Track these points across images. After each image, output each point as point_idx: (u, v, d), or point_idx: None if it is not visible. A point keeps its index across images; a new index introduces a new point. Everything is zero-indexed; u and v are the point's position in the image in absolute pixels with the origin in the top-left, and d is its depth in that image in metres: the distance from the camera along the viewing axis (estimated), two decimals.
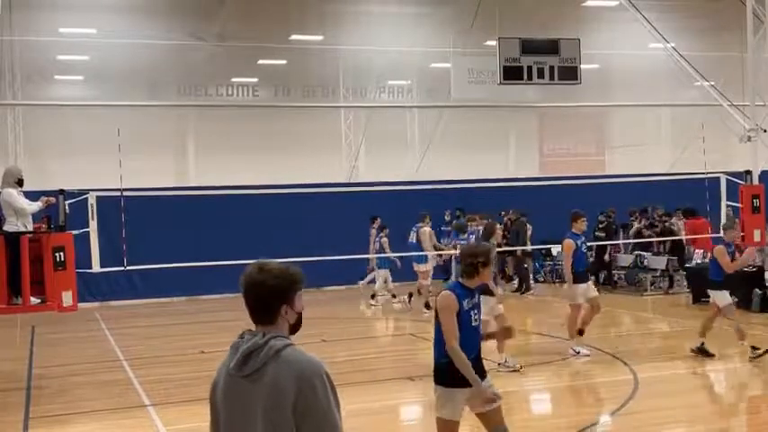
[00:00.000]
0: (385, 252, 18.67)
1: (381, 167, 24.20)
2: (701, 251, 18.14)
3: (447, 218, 22.19)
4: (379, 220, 19.77)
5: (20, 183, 11.15)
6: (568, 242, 12.47)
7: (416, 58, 24.98)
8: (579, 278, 12.54)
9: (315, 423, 3.07)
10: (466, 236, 18.05)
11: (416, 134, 25.79)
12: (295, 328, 3.30)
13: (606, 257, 20.50)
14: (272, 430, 3.04)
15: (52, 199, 11.40)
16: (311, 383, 3.06)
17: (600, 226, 20.58)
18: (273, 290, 3.23)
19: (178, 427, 9.13)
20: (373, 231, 19.82)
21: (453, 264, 17.44)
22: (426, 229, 18.86)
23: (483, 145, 25.76)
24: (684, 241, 19.92)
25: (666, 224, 20.74)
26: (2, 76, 22.19)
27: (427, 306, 17.39)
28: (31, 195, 11.67)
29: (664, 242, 20.26)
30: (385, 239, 18.85)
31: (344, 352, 13.37)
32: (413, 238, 19.26)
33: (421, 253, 18.23)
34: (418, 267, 18.43)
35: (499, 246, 18.40)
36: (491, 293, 10.84)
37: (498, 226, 13.73)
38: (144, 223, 18.75)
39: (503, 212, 19.96)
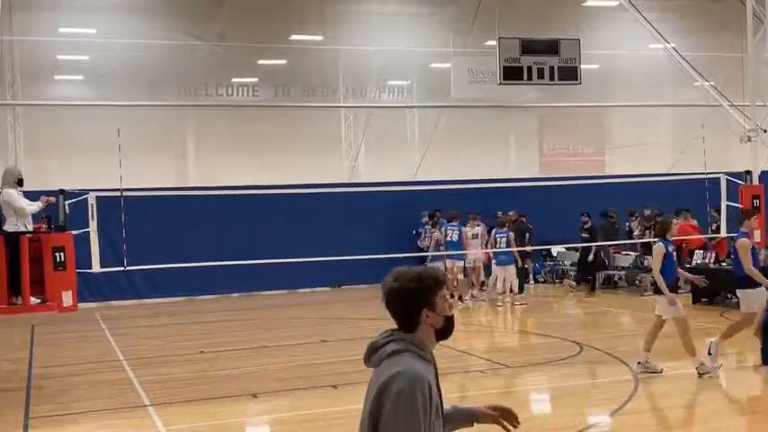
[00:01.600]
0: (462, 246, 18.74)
1: (381, 167, 24.19)
2: (701, 251, 18.14)
3: (425, 219, 22.08)
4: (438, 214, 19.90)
5: (20, 183, 11.15)
6: (659, 247, 11.08)
7: (416, 58, 24.98)
8: (671, 289, 11.11)
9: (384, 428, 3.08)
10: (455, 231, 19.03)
11: (416, 134, 25.78)
12: (443, 332, 3.26)
13: (590, 258, 20.56)
14: (371, 430, 3.13)
15: (52, 199, 11.41)
16: (388, 397, 3.07)
17: (584, 227, 20.64)
18: (409, 295, 3.19)
19: (178, 427, 9.13)
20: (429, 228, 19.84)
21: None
22: (465, 229, 19.10)
23: (483, 145, 25.75)
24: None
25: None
26: (2, 76, 22.18)
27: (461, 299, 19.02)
28: (32, 195, 11.67)
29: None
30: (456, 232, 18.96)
31: (344, 352, 13.36)
32: (453, 236, 19.27)
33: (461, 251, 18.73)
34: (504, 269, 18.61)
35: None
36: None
37: (674, 221, 13.43)
38: (144, 223, 18.74)
39: (500, 212, 19.95)
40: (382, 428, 3.07)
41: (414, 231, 22.02)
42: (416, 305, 3.19)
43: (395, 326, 3.30)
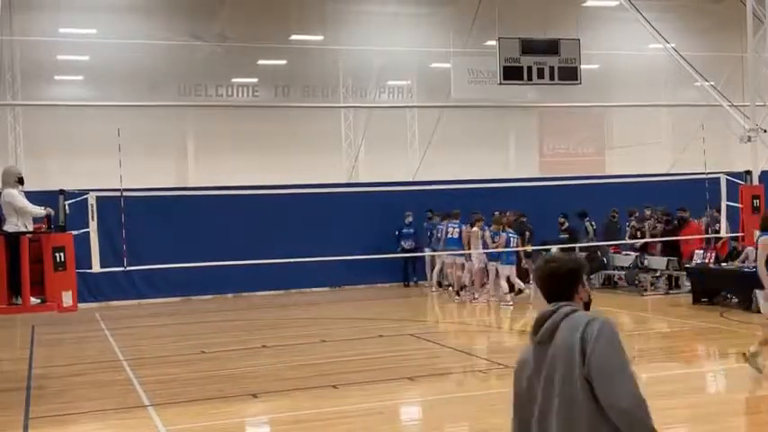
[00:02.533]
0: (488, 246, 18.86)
1: (381, 167, 24.19)
2: (701, 251, 18.14)
3: (408, 220, 22.05)
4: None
5: (20, 181, 11.15)
6: (765, 240, 10.32)
7: (416, 58, 24.98)
8: None
9: (598, 366, 3.32)
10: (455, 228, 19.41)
11: (416, 134, 25.79)
12: (587, 305, 3.70)
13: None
14: (568, 388, 3.37)
15: (52, 211, 11.41)
16: (591, 331, 3.38)
17: (562, 228, 20.64)
18: (570, 274, 3.66)
19: (178, 427, 9.13)
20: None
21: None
22: (475, 229, 19.24)
23: (483, 145, 25.75)
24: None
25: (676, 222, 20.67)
26: (2, 76, 22.19)
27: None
28: (31, 195, 11.66)
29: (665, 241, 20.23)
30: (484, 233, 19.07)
31: (344, 352, 13.37)
32: (453, 234, 19.59)
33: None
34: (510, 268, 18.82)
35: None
36: None
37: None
38: (144, 223, 18.75)
39: (497, 212, 20.00)
40: (595, 357, 3.32)
41: (397, 232, 22.08)
42: (574, 282, 3.66)
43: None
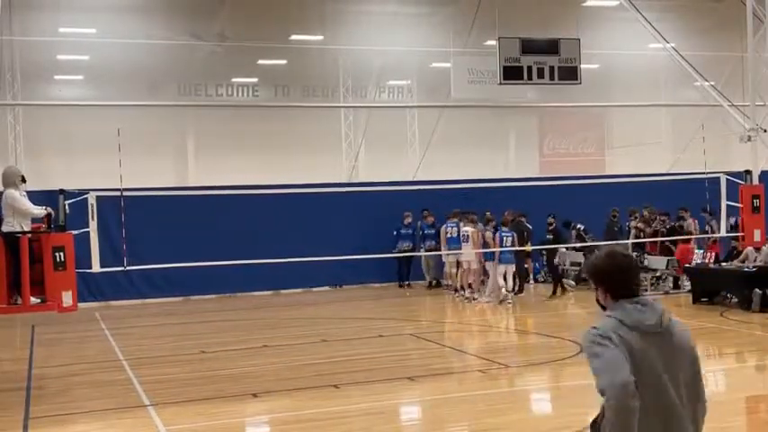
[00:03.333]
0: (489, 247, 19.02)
1: (381, 167, 24.18)
2: (701, 251, 18.14)
3: (408, 221, 21.93)
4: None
5: (22, 180, 11.16)
6: None
7: (416, 58, 24.96)
8: None
9: (700, 369, 3.75)
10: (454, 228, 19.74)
11: (416, 134, 25.78)
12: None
13: (556, 260, 20.66)
14: (694, 376, 3.71)
15: (52, 211, 11.40)
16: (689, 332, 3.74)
17: (549, 228, 20.68)
18: (638, 269, 3.84)
19: (178, 426, 9.13)
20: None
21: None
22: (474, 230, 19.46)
23: (483, 145, 25.74)
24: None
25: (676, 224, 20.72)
26: (2, 76, 22.18)
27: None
28: (31, 195, 11.66)
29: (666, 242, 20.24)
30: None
31: (344, 352, 13.38)
32: (452, 233, 19.84)
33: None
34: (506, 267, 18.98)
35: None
36: None
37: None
38: (144, 223, 18.74)
39: (488, 212, 20.06)
40: (699, 365, 3.74)
41: (394, 232, 22.00)
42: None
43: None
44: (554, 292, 19.83)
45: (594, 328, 3.57)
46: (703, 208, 19.84)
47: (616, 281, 3.64)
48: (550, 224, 20.71)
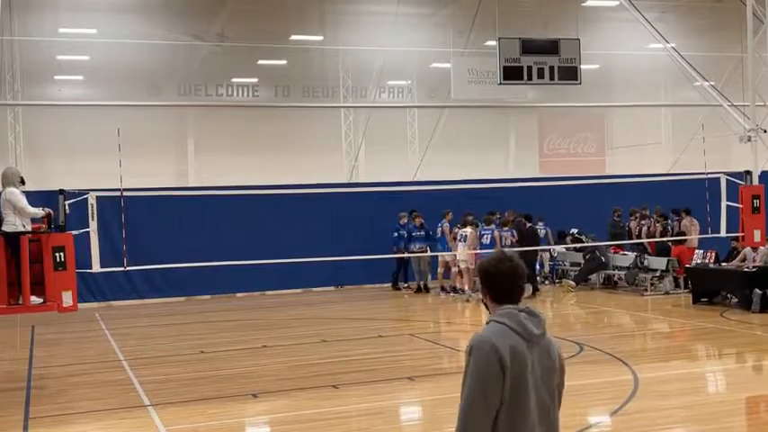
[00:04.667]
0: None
1: (381, 167, 24.19)
2: (701, 251, 18.14)
3: (403, 221, 21.45)
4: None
5: (21, 181, 11.16)
6: None
7: (416, 58, 24.98)
8: None
9: (562, 381, 3.81)
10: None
11: (416, 134, 25.79)
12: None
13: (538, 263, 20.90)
14: (555, 392, 3.74)
15: (52, 211, 11.41)
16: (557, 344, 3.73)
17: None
18: (525, 271, 3.73)
19: (178, 427, 9.13)
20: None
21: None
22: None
23: (483, 145, 25.76)
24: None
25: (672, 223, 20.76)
26: (2, 76, 22.20)
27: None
28: (31, 195, 11.67)
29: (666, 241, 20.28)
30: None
31: (344, 352, 13.37)
32: (488, 239, 19.83)
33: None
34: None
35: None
36: None
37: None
38: (144, 223, 18.75)
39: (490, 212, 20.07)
40: (563, 377, 3.81)
41: (395, 233, 21.55)
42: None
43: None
44: (533, 293, 19.65)
45: (482, 335, 3.60)
46: (673, 209, 20.11)
47: (499, 286, 3.65)
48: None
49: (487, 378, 3.50)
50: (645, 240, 20.38)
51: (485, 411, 3.48)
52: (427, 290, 21.15)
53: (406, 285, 22.06)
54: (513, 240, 19.20)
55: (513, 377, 3.50)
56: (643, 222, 21.12)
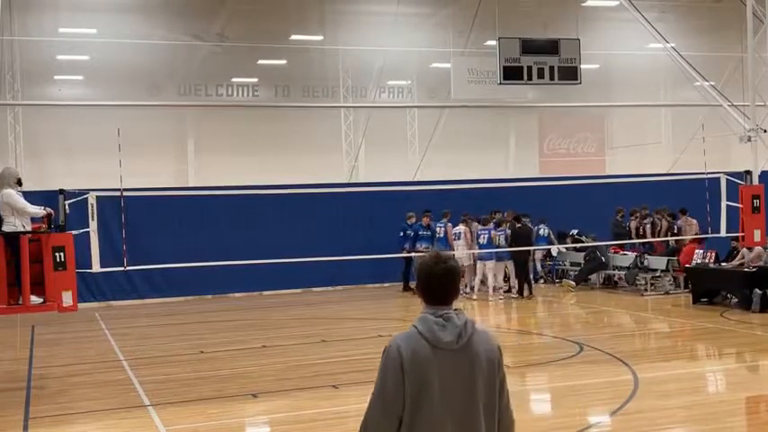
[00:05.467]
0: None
1: (381, 167, 24.19)
2: (701, 251, 18.14)
3: (411, 221, 21.37)
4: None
5: (18, 183, 11.15)
6: None
7: (416, 58, 24.98)
8: None
9: (503, 380, 3.66)
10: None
11: (416, 134, 25.79)
12: None
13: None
14: (491, 394, 3.58)
15: (51, 212, 11.41)
16: (496, 343, 3.66)
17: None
18: (457, 275, 3.66)
19: (178, 427, 9.13)
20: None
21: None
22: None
23: (483, 145, 25.76)
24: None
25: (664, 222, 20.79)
26: (2, 76, 22.19)
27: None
28: (31, 195, 11.66)
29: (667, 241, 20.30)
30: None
31: (344, 352, 13.37)
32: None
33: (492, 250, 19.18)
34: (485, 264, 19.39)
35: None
36: None
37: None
38: (144, 223, 18.75)
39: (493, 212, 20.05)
40: (504, 376, 3.64)
41: (401, 233, 21.45)
42: (458, 284, 3.69)
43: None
44: (519, 291, 19.69)
45: (395, 337, 3.60)
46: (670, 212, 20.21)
47: (429, 286, 3.61)
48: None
49: (390, 382, 3.48)
50: (652, 240, 20.36)
51: (386, 416, 3.47)
52: None
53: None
54: (505, 238, 19.30)
55: (414, 383, 3.45)
56: (645, 221, 21.12)
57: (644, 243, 20.51)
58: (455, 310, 3.60)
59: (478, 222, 19.92)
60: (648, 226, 20.97)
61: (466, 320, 3.57)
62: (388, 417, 3.46)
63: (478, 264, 19.51)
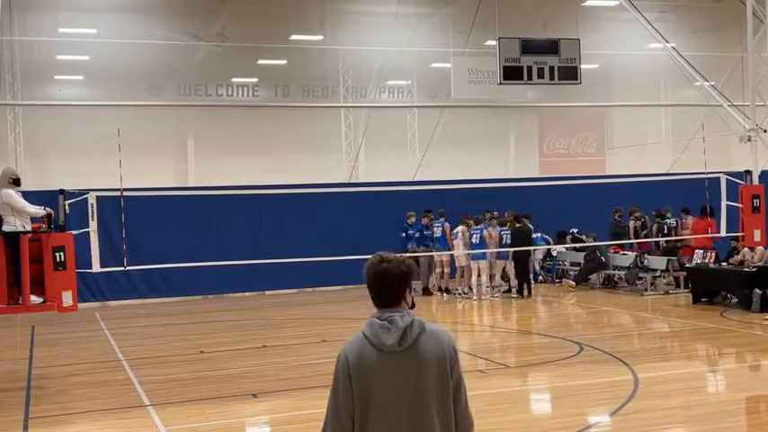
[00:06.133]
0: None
1: (381, 167, 24.19)
2: (701, 251, 18.15)
3: (411, 220, 21.29)
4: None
5: (16, 182, 11.13)
6: None
7: (416, 58, 24.99)
8: None
9: (458, 382, 3.61)
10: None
11: (416, 134, 25.79)
12: (412, 308, 3.71)
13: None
14: (443, 393, 3.54)
15: (51, 211, 11.41)
16: (455, 349, 3.65)
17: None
18: (402, 276, 3.58)
19: (178, 426, 9.13)
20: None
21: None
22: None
23: (483, 145, 25.76)
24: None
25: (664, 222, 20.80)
26: (2, 76, 22.19)
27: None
28: (31, 195, 11.66)
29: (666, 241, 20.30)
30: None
31: None
32: (477, 239, 19.94)
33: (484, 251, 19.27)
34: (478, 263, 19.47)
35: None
36: None
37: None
38: (144, 223, 18.75)
39: (488, 212, 20.05)
40: (457, 373, 3.61)
41: (403, 234, 21.40)
42: (405, 285, 3.61)
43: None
44: (520, 293, 19.68)
45: (346, 342, 3.62)
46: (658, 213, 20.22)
47: (373, 288, 3.57)
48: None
49: (340, 387, 3.53)
50: (660, 239, 20.37)
51: (339, 420, 3.51)
52: (430, 292, 21.16)
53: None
54: (497, 238, 19.33)
55: (361, 387, 3.48)
56: (636, 224, 21.12)
57: (641, 243, 20.51)
58: (406, 311, 3.56)
59: (476, 223, 19.95)
60: (654, 226, 20.96)
61: (412, 321, 3.52)
62: (340, 420, 3.50)
63: (472, 263, 19.57)
